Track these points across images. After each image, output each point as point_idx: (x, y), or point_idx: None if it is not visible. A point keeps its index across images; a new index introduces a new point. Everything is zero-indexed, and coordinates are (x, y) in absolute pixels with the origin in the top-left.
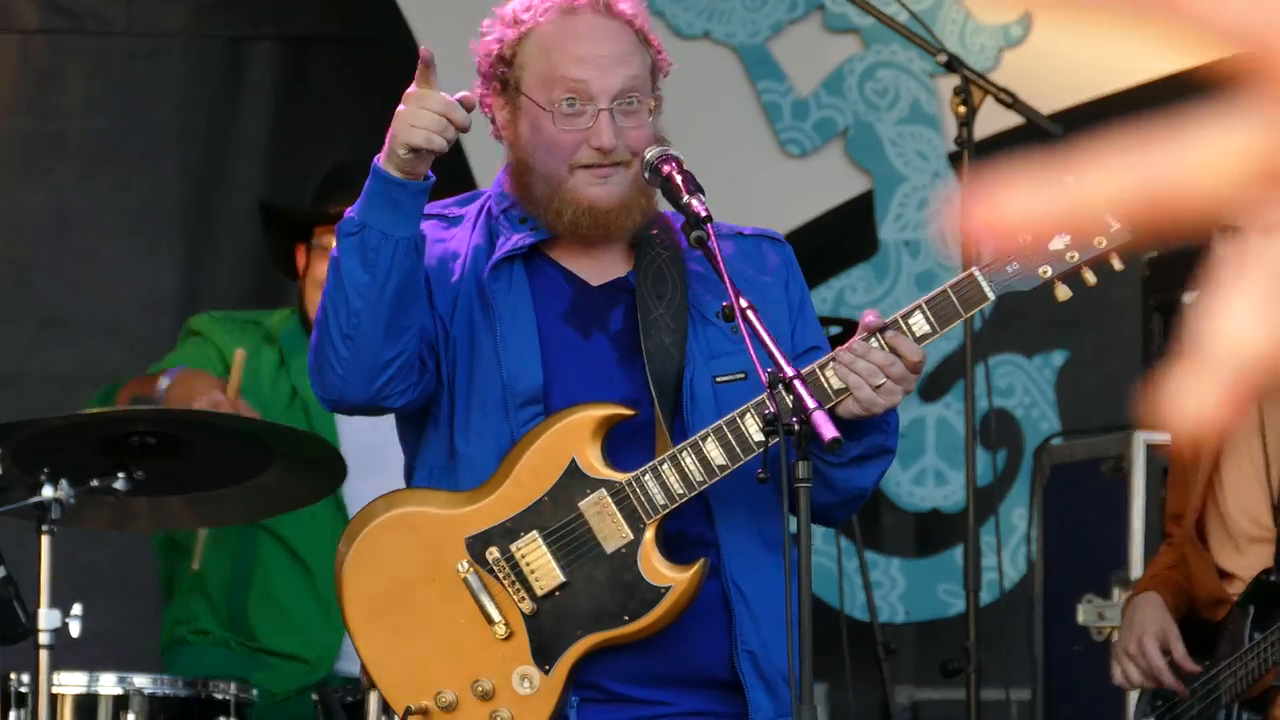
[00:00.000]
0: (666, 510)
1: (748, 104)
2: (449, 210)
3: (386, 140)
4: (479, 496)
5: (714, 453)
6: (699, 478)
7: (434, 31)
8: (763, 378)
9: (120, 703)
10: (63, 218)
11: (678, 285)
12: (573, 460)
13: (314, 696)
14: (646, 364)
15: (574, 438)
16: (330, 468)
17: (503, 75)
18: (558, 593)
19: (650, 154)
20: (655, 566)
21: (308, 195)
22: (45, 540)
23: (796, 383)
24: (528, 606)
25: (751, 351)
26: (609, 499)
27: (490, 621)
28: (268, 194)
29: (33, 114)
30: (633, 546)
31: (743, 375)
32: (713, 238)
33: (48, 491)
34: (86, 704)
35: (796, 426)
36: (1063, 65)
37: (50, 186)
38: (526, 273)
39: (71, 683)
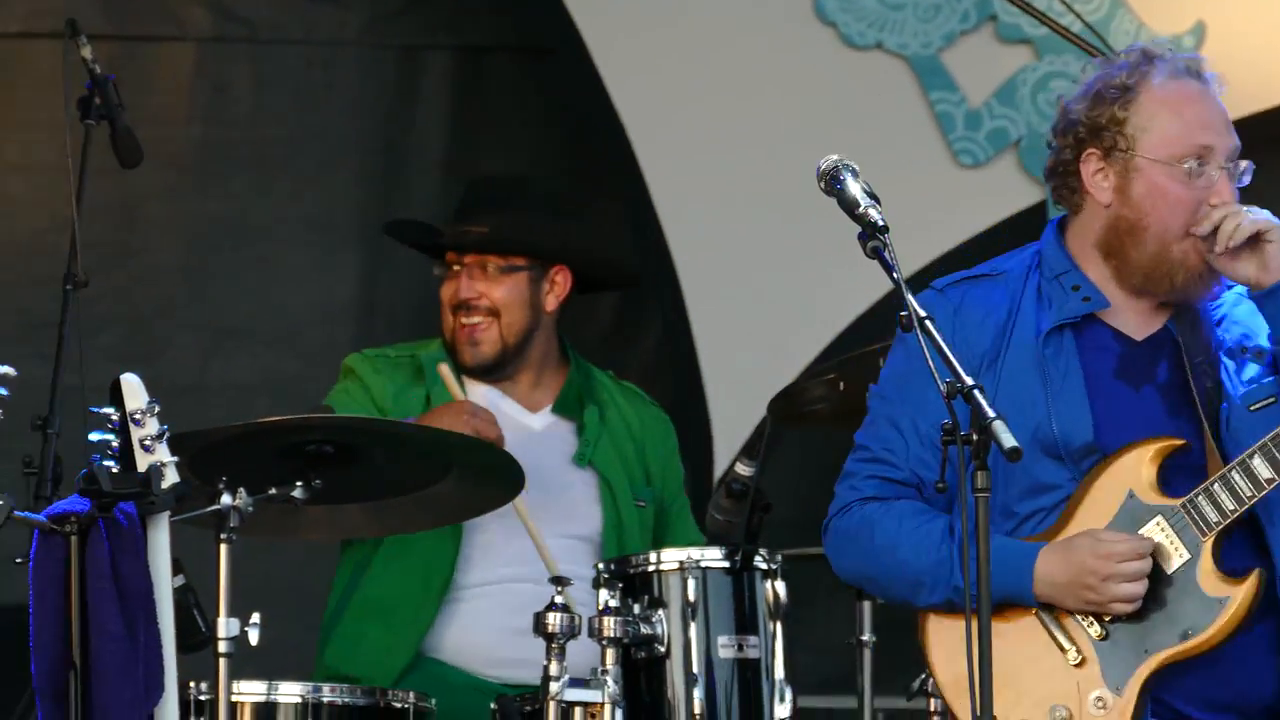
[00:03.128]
0: (1220, 526)
1: (920, 114)
2: (995, 270)
3: (1069, 578)
4: (1047, 536)
5: (1261, 468)
6: (1248, 492)
7: (606, 40)
8: (941, 389)
9: (299, 711)
10: (238, 227)
11: (1209, 328)
12: (1129, 491)
13: (493, 705)
14: (1200, 408)
15: (1130, 472)
16: (508, 476)
17: (1113, 138)
18: (1124, 616)
19: (825, 164)
20: (1213, 581)
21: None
22: (224, 549)
23: (975, 393)
24: (1097, 631)
25: (930, 363)
26: (1166, 523)
27: (1062, 650)
28: (443, 202)
29: (207, 123)
30: (1190, 565)
31: (1272, 399)
32: (889, 247)
33: (226, 500)
34: (266, 712)
35: (975, 436)
36: (1237, 75)
37: (225, 196)
38: (1074, 335)
39: (251, 691)
